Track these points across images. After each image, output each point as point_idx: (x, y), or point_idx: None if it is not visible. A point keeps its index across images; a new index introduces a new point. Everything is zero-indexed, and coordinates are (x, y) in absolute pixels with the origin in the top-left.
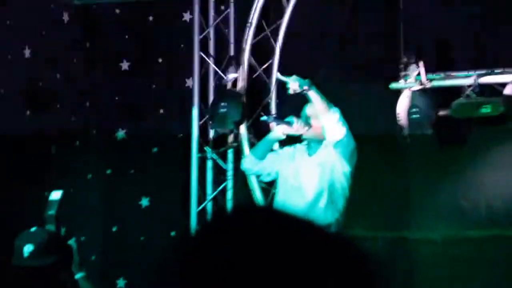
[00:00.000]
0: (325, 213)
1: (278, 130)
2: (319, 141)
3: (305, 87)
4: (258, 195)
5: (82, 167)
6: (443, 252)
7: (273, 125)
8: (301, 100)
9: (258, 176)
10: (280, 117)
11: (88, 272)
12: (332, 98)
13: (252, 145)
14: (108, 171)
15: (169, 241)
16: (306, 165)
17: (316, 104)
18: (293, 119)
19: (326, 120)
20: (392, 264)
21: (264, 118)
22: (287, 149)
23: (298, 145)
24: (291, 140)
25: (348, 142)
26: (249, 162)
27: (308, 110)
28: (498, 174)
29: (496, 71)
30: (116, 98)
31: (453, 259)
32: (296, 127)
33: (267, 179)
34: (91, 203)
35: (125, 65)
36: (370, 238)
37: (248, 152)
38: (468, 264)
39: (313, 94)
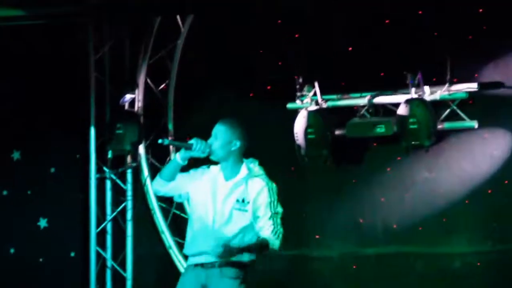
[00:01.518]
0: (233, 242)
1: (179, 154)
2: (233, 165)
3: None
4: (158, 215)
5: None
6: (341, 268)
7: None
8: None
9: (171, 197)
10: (180, 139)
11: None
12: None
13: (151, 165)
14: (5, 192)
15: (69, 261)
16: (221, 188)
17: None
18: (194, 140)
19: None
20: (291, 281)
21: (160, 140)
22: (201, 170)
23: (212, 166)
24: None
25: None
26: (157, 183)
27: (215, 131)
28: (393, 193)
29: (388, 92)
30: (11, 118)
31: (350, 276)
32: (197, 151)
33: (179, 200)
34: None
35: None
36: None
37: (146, 173)
38: (364, 280)
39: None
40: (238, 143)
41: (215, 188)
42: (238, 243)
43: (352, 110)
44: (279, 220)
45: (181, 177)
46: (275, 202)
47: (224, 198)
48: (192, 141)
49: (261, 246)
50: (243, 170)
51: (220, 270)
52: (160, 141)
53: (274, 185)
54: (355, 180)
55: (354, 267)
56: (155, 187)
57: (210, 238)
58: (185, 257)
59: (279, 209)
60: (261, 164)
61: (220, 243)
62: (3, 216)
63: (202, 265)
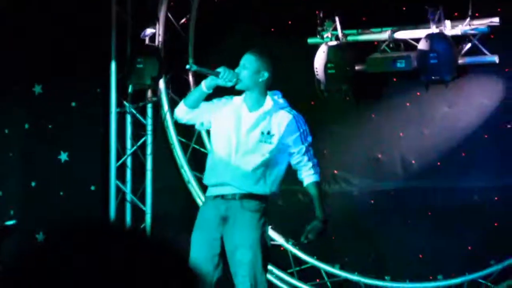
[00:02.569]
0: (256, 175)
1: (205, 82)
2: (258, 97)
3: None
4: (177, 150)
5: None
6: (359, 203)
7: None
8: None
9: (193, 125)
10: (207, 67)
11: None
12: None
13: (171, 100)
14: (26, 126)
15: (89, 195)
16: (245, 118)
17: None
18: (222, 69)
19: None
20: (310, 216)
21: (188, 66)
22: (224, 99)
23: (235, 97)
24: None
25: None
26: (180, 110)
27: (243, 60)
28: (412, 128)
29: (409, 26)
30: (33, 52)
31: (368, 210)
32: (224, 79)
33: (201, 128)
34: (9, 157)
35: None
36: (290, 191)
37: (166, 108)
38: (383, 214)
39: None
40: (266, 74)
41: (239, 118)
42: (260, 176)
43: (373, 45)
44: (312, 151)
45: (205, 105)
46: (305, 133)
47: (248, 129)
48: (220, 69)
49: (322, 194)
50: (268, 102)
51: (241, 202)
52: (188, 66)
53: (300, 115)
54: (374, 115)
55: (372, 201)
56: (177, 114)
57: (231, 168)
58: (204, 191)
59: (310, 138)
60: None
61: (241, 174)
62: (24, 150)
63: (222, 196)
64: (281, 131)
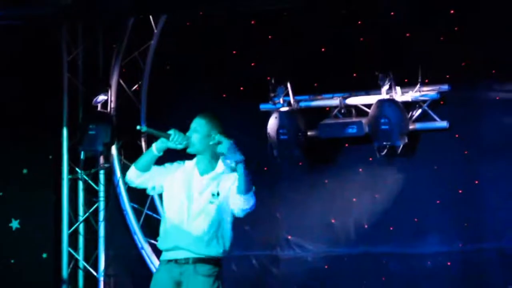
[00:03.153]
0: (208, 237)
1: (155, 145)
2: (209, 160)
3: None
4: (130, 216)
5: None
6: (313, 268)
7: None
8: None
9: (144, 189)
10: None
11: None
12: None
13: (123, 166)
14: None
15: (41, 263)
16: (196, 182)
17: (243, 181)
18: (172, 131)
19: (240, 198)
20: (264, 281)
21: (138, 127)
22: (176, 164)
23: (187, 161)
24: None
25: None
26: (131, 173)
27: (194, 124)
28: (365, 193)
29: (360, 92)
30: None
31: (322, 276)
32: (174, 141)
33: (152, 192)
34: None
35: None
36: (244, 257)
37: (119, 174)
38: (336, 280)
39: (240, 170)
40: (218, 137)
41: (189, 182)
42: (212, 237)
43: (325, 111)
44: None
45: (156, 169)
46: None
47: (199, 193)
48: (170, 132)
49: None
50: (220, 165)
51: (194, 267)
52: (138, 127)
53: None
54: (327, 181)
55: (326, 267)
56: (129, 177)
57: (184, 232)
58: (158, 257)
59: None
60: None
61: (194, 237)
62: None
63: (176, 261)
64: (225, 187)
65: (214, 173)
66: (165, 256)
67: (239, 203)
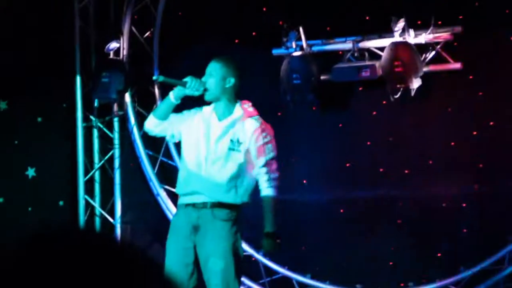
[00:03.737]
0: (227, 182)
1: (173, 93)
2: (226, 103)
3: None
4: (145, 163)
5: None
6: (329, 212)
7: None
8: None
9: (163, 137)
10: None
11: None
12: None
13: (137, 113)
14: None
15: (58, 210)
16: (214, 127)
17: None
18: (189, 78)
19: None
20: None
21: (155, 77)
22: (193, 110)
23: (205, 107)
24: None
25: None
26: (150, 122)
27: (209, 68)
28: (379, 137)
29: (373, 35)
30: None
31: (337, 220)
32: (191, 88)
33: (172, 140)
34: None
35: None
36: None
37: (133, 121)
38: (352, 223)
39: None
40: (232, 80)
41: (208, 128)
42: (231, 184)
43: (337, 55)
44: (274, 165)
45: (174, 117)
46: (269, 146)
47: (217, 138)
48: (187, 79)
49: (274, 209)
50: (237, 110)
51: (212, 211)
52: (155, 77)
53: (268, 127)
54: (341, 124)
55: (341, 211)
56: (147, 126)
57: (202, 177)
58: (174, 204)
59: (272, 154)
60: None
61: (212, 183)
62: None
63: (193, 205)
64: (247, 140)
65: (232, 118)
66: (183, 200)
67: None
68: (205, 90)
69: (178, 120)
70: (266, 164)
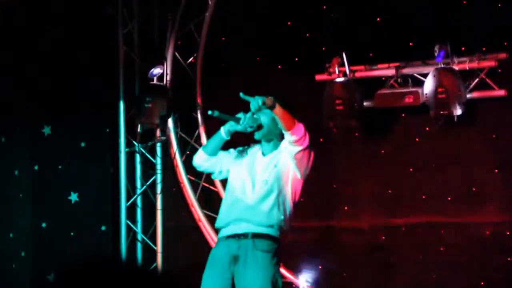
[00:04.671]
0: (269, 213)
1: (223, 128)
2: (275, 142)
3: (268, 102)
4: (187, 188)
5: (9, 164)
6: (370, 239)
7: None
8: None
9: (211, 174)
10: (229, 113)
11: (18, 268)
12: (258, 91)
13: (180, 138)
14: (36, 167)
15: (100, 235)
16: (260, 163)
17: (282, 121)
18: (242, 115)
19: (289, 135)
20: (321, 252)
21: (210, 112)
22: (241, 148)
23: (253, 146)
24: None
25: (308, 154)
26: (199, 158)
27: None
28: (422, 163)
29: (416, 61)
30: (42, 94)
31: (379, 246)
32: (244, 125)
33: (219, 177)
34: (19, 199)
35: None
36: (300, 229)
37: (175, 147)
38: (396, 250)
39: (278, 111)
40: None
41: (253, 163)
42: (273, 215)
43: (380, 81)
44: None
45: (223, 154)
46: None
47: (262, 170)
48: (240, 115)
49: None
50: (283, 144)
51: (253, 242)
52: (210, 112)
53: None
54: (383, 151)
55: (383, 238)
56: (197, 162)
57: (245, 208)
58: (216, 231)
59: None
60: None
61: (255, 212)
62: (35, 191)
63: (234, 236)
64: (282, 155)
65: (277, 151)
66: (224, 233)
67: (288, 138)
68: (259, 127)
69: (227, 158)
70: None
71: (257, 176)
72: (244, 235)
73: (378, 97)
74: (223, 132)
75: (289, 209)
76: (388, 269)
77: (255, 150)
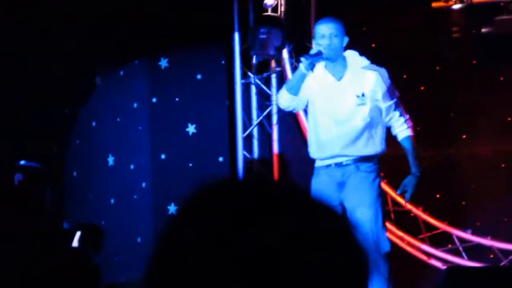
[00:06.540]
0: (366, 145)
1: (303, 64)
2: (341, 62)
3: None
4: (303, 118)
5: (128, 96)
6: (491, 166)
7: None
8: None
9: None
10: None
11: (140, 199)
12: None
13: (295, 69)
14: (154, 100)
15: (218, 166)
16: (337, 88)
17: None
18: (321, 48)
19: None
20: (437, 179)
21: (303, 58)
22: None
23: (316, 69)
24: None
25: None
26: (285, 99)
27: (329, 30)
28: None
29: None
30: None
31: (500, 174)
32: (326, 55)
33: (302, 109)
34: (138, 131)
35: None
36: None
37: (291, 76)
38: None
39: None
40: (347, 39)
41: (330, 90)
42: (367, 138)
43: (499, 6)
44: (401, 106)
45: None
46: (392, 87)
47: (343, 98)
48: (319, 49)
49: (416, 148)
50: (350, 64)
51: (356, 166)
52: (302, 59)
53: (384, 69)
54: (503, 78)
55: (502, 165)
56: (282, 104)
57: (338, 140)
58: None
59: (397, 93)
60: (407, 66)
61: (349, 142)
62: (153, 124)
63: (335, 164)
64: (371, 90)
65: (349, 74)
66: (323, 162)
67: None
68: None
69: (303, 91)
70: (396, 106)
71: (339, 105)
72: (346, 162)
73: (497, 23)
74: (303, 68)
75: (379, 126)
76: (510, 196)
77: (321, 73)
